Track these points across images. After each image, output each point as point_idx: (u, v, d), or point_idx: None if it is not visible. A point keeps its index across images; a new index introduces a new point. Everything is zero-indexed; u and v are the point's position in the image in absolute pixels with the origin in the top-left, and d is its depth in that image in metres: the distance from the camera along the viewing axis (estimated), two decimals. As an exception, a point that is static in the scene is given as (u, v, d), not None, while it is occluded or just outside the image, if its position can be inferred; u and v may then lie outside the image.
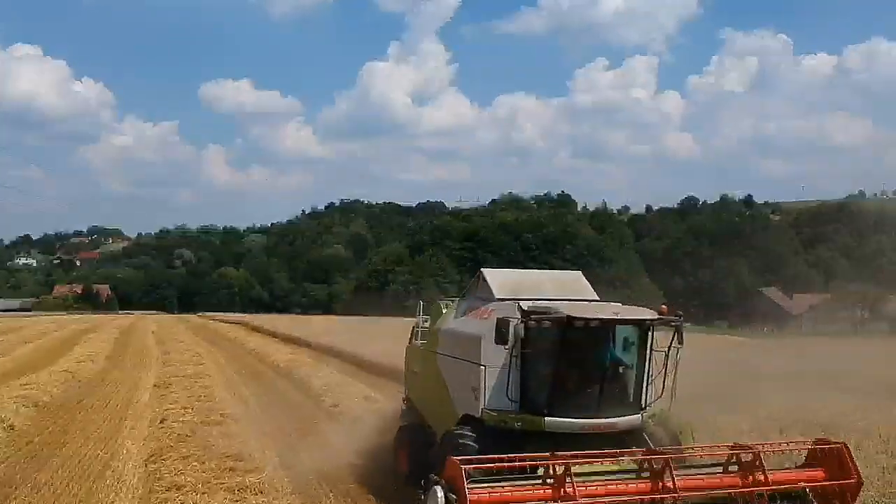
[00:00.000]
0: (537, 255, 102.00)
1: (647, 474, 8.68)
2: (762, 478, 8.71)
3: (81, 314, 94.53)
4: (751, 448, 8.97)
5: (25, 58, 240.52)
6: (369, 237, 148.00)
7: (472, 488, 7.89)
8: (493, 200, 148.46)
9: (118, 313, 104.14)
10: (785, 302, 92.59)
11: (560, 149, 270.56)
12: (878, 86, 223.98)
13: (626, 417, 9.84)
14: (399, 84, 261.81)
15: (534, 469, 8.38)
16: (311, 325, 56.37)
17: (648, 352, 9.97)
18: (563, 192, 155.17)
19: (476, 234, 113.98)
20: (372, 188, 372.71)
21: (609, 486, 8.52)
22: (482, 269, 11.43)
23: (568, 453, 8.42)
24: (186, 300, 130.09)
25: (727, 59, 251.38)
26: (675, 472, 8.49)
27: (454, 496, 7.95)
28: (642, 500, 8.53)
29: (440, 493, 8.09)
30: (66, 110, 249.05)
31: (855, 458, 9.14)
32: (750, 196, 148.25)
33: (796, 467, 9.36)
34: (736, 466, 8.93)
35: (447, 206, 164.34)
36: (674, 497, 8.36)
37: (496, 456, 8.38)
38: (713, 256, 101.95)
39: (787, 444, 9.67)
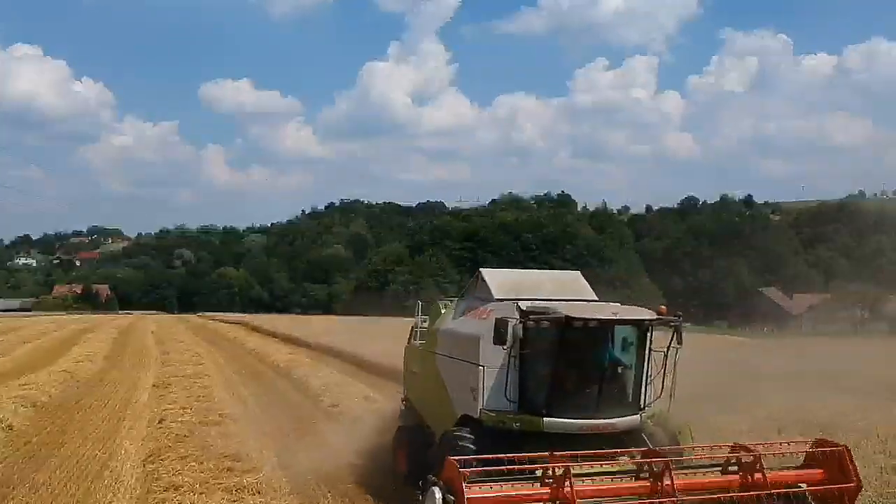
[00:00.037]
0: (537, 256, 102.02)
1: (646, 475, 8.66)
2: (761, 479, 8.68)
3: (81, 314, 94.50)
4: (751, 450, 8.95)
5: (25, 58, 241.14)
6: (369, 237, 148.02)
7: (469, 489, 7.86)
8: (493, 200, 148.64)
9: (118, 313, 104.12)
10: (785, 302, 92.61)
11: (560, 149, 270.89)
12: (878, 86, 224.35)
13: (625, 418, 9.81)
14: (399, 84, 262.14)
15: (532, 469, 8.36)
16: (311, 325, 56.37)
17: (647, 352, 9.95)
18: (563, 192, 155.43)
19: (476, 234, 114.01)
20: (372, 188, 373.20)
21: (608, 487, 8.50)
22: (481, 270, 11.42)
23: (567, 453, 8.40)
24: (186, 300, 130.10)
25: (727, 59, 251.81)
26: (674, 473, 8.46)
27: (452, 497, 7.93)
28: (641, 501, 8.51)
29: (438, 494, 8.07)
30: (66, 110, 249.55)
31: (854, 460, 9.11)
32: (750, 196, 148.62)
33: (796, 468, 9.33)
34: (736, 467, 8.91)
35: (447, 206, 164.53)
36: (673, 501, 8.32)
37: (495, 456, 8.35)
38: (713, 256, 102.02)
39: (789, 445, 9.64)
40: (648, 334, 9.91)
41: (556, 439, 9.13)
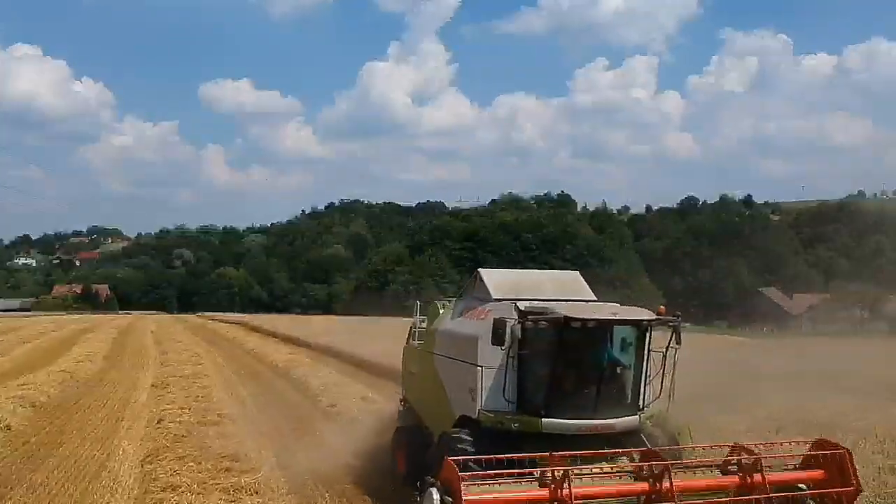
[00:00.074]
0: (537, 256, 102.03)
1: (645, 476, 8.62)
2: (761, 481, 8.64)
3: (81, 314, 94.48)
4: (751, 451, 8.91)
5: (25, 58, 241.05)
6: (369, 237, 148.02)
7: (468, 490, 7.83)
8: (493, 200, 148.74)
9: (117, 313, 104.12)
10: (785, 302, 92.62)
11: (560, 149, 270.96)
12: (878, 86, 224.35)
13: (624, 418, 9.77)
14: (399, 84, 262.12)
15: (531, 469, 8.32)
16: (311, 325, 56.36)
17: (646, 352, 9.91)
18: (562, 192, 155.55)
19: (476, 234, 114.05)
20: (372, 188, 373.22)
21: (607, 488, 8.47)
22: (479, 270, 11.38)
23: (567, 454, 8.37)
24: (186, 300, 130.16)
25: (727, 59, 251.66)
26: (673, 474, 8.43)
27: (450, 498, 7.89)
28: (640, 502, 8.48)
29: (436, 495, 8.04)
30: (66, 110, 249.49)
31: (855, 463, 9.07)
32: (750, 196, 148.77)
33: (795, 469, 9.29)
34: (735, 468, 8.88)
35: (447, 206, 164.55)
36: (672, 502, 8.28)
37: (493, 457, 8.32)
38: (713, 256, 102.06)
39: (790, 444, 9.60)
40: (647, 334, 9.87)
41: (555, 440, 9.09)
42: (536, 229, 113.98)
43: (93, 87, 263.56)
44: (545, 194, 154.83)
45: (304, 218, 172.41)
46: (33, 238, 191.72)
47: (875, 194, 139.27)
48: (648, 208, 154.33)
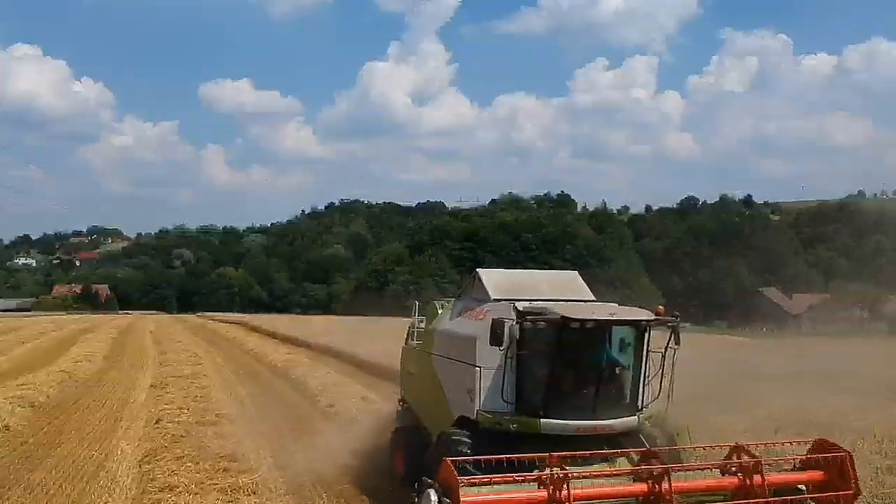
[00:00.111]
0: (537, 256, 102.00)
1: (644, 477, 8.59)
2: (761, 482, 8.61)
3: (80, 314, 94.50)
4: (751, 452, 8.87)
5: (25, 58, 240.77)
6: (369, 237, 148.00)
7: (465, 491, 7.79)
8: (493, 200, 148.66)
9: (117, 313, 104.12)
10: (785, 302, 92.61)
11: (560, 149, 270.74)
12: (878, 86, 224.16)
13: (623, 419, 9.75)
14: (399, 84, 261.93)
15: (529, 470, 8.29)
16: (311, 325, 56.32)
17: (645, 353, 9.89)
18: (562, 192, 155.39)
19: (476, 234, 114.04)
20: (372, 188, 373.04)
21: (606, 489, 8.44)
22: (477, 270, 11.35)
23: (567, 454, 8.34)
24: (186, 300, 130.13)
25: (727, 59, 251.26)
26: (672, 475, 8.40)
27: (448, 499, 7.86)
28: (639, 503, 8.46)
29: (434, 496, 8.00)
30: (66, 110, 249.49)
31: (855, 465, 9.04)
32: (750, 196, 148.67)
33: (795, 470, 9.25)
34: (735, 469, 8.84)
35: (447, 206, 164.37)
36: None
37: (492, 458, 8.29)
38: (713, 256, 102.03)
39: (790, 444, 9.56)
40: (646, 335, 9.85)
41: (554, 441, 9.07)
42: (536, 229, 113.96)
43: (93, 87, 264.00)
44: (545, 194, 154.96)
45: (304, 218, 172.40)
46: (33, 238, 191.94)
47: (875, 194, 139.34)
48: (648, 208, 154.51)
